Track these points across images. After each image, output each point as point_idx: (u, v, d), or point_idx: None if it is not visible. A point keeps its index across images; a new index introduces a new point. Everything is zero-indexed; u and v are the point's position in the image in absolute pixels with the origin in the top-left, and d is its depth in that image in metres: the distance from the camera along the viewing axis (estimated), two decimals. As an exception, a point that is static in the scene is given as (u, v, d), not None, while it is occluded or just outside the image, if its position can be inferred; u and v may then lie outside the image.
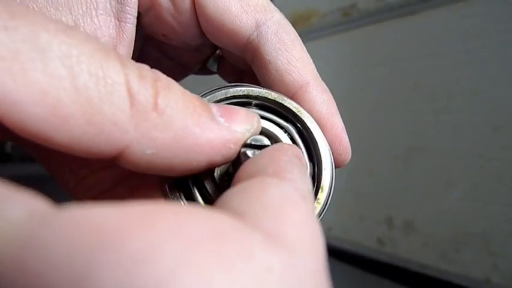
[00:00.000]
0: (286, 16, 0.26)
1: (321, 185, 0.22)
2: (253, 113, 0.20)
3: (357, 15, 0.82)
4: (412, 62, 0.73)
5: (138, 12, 0.24)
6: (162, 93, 0.16)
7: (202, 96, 0.23)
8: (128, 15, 0.23)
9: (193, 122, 0.17)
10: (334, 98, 0.25)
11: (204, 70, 0.35)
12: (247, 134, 0.19)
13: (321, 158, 0.23)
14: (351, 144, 0.25)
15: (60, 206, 0.11)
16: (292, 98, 0.24)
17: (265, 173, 0.16)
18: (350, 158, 0.25)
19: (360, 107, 0.81)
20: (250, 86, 0.23)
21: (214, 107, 0.18)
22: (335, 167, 0.24)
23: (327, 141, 0.24)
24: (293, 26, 0.25)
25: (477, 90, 0.63)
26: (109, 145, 0.15)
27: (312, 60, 0.25)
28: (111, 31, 0.22)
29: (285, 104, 0.23)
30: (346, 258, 0.85)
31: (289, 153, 0.17)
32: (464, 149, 0.65)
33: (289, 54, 0.24)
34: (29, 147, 0.22)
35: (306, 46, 0.25)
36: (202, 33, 0.26)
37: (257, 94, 0.23)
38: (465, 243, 0.65)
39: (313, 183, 0.23)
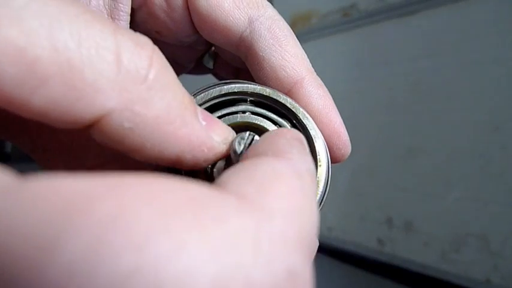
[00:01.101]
0: (287, 16, 0.26)
1: (316, 182, 0.22)
2: (230, 130, 0.20)
3: (357, 15, 0.82)
4: (412, 62, 0.73)
5: (131, 9, 0.24)
6: (156, 68, 0.15)
7: (196, 93, 0.23)
8: (121, 13, 0.23)
9: (178, 111, 0.16)
10: (333, 98, 0.25)
11: (198, 69, 0.35)
12: (222, 146, 0.18)
13: (316, 154, 0.22)
14: (351, 144, 0.25)
15: (24, 177, 0.11)
16: (287, 94, 0.23)
17: (265, 155, 0.15)
18: (349, 152, 0.24)
19: (359, 107, 0.81)
20: (245, 83, 0.23)
21: (199, 109, 0.18)
22: (335, 162, 0.24)
23: (325, 136, 0.23)
24: (293, 27, 0.25)
25: (477, 90, 0.63)
26: (87, 112, 0.14)
27: (306, 56, 0.25)
28: None
29: (280, 100, 0.23)
30: (346, 258, 0.85)
31: (288, 136, 0.17)
32: (464, 149, 0.65)
33: (283, 50, 0.24)
34: (24, 145, 0.22)
35: (306, 46, 0.25)
36: (195, 30, 0.26)
37: (252, 91, 0.23)
38: (465, 243, 0.65)
39: None
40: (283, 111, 0.23)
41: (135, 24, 0.25)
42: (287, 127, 0.23)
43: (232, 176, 0.14)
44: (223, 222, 0.11)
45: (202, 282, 0.10)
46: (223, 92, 0.22)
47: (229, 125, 0.20)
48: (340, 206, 0.86)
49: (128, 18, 0.24)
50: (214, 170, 0.22)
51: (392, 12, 0.75)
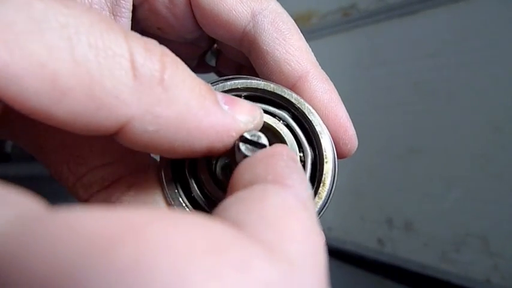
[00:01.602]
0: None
1: (323, 179, 0.21)
2: (257, 107, 0.19)
3: (357, 15, 0.82)
4: (412, 62, 0.73)
5: (133, 6, 0.24)
6: (169, 69, 0.16)
7: None
8: (123, 10, 0.23)
9: (198, 104, 0.16)
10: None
11: (201, 67, 0.35)
12: (250, 126, 0.18)
13: (322, 151, 0.22)
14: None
15: (54, 208, 0.11)
16: (292, 88, 0.23)
17: (265, 180, 0.15)
18: (356, 147, 0.24)
19: (360, 106, 0.81)
20: (248, 79, 0.22)
21: (219, 94, 0.18)
22: (341, 157, 0.23)
23: (331, 131, 0.23)
24: None
25: (477, 90, 0.63)
26: (110, 120, 0.14)
27: (310, 49, 0.24)
28: None
29: (285, 95, 0.22)
30: (346, 258, 0.85)
31: (285, 158, 0.17)
32: (464, 149, 0.65)
33: (287, 44, 0.23)
34: (28, 145, 0.22)
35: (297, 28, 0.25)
36: (197, 26, 0.25)
37: (256, 86, 0.22)
38: (465, 243, 0.65)
39: (315, 177, 0.22)
40: (288, 107, 0.22)
41: (135, 21, 0.25)
42: (292, 123, 0.22)
43: (243, 212, 0.13)
44: (246, 272, 0.10)
45: None
46: (226, 89, 0.22)
47: None
48: (340, 206, 0.86)
49: (130, 15, 0.24)
50: (218, 164, 0.22)
51: (393, 12, 0.75)
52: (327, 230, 0.89)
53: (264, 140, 0.19)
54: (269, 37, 0.23)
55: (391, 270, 0.76)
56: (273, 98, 0.22)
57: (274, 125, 0.22)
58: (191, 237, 0.11)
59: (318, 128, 0.22)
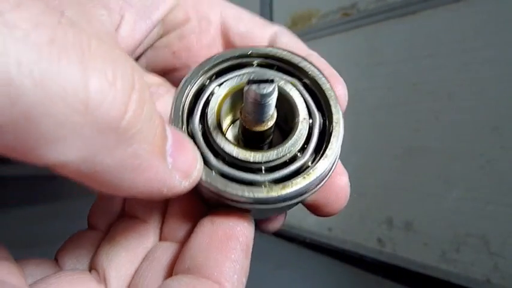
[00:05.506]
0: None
1: (331, 142, 0.21)
2: (197, 160, 0.19)
3: (357, 15, 0.82)
4: (412, 62, 0.73)
5: (165, 30, 0.26)
6: (130, 113, 0.14)
7: (212, 57, 0.23)
8: (147, 20, 0.24)
9: (145, 156, 0.15)
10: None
11: None
12: (185, 184, 0.18)
13: (332, 117, 0.22)
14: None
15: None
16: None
17: (206, 275, 0.18)
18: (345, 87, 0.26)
19: (360, 107, 0.81)
20: (266, 47, 0.24)
21: (170, 140, 0.17)
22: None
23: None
24: (293, 27, 0.27)
25: (477, 90, 0.63)
26: (41, 161, 0.13)
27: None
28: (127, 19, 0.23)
29: (305, 69, 0.23)
30: (346, 258, 0.85)
31: (239, 247, 0.19)
32: (464, 149, 0.65)
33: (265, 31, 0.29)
34: None
35: (306, 46, 0.26)
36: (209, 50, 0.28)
37: (273, 54, 0.24)
38: (465, 243, 0.65)
39: (323, 140, 0.22)
40: (301, 77, 0.23)
41: (155, 47, 0.27)
42: (299, 86, 0.23)
43: None
44: None
45: None
46: (237, 54, 0.23)
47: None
48: (340, 206, 0.86)
49: (150, 23, 0.24)
50: (229, 132, 0.24)
51: (392, 12, 0.75)
52: (327, 230, 0.89)
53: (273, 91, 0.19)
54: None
55: (391, 270, 0.77)
56: (286, 67, 0.24)
57: (289, 92, 0.23)
58: None
59: (331, 102, 0.23)
